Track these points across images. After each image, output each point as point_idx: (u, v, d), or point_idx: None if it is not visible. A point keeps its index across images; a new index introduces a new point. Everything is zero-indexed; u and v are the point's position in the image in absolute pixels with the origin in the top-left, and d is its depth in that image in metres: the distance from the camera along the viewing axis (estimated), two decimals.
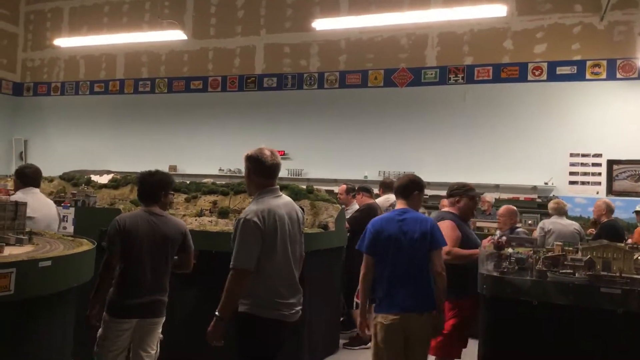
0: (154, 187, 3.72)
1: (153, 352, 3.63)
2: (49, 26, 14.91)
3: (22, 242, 3.12)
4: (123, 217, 3.66)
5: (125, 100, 14.00)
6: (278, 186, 3.23)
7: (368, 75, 11.82)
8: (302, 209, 3.58)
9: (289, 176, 11.74)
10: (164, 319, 3.65)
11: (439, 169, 10.77)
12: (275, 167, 3.19)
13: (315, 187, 7.79)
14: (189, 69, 13.33)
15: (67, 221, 5.43)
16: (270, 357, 3.08)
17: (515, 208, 5.74)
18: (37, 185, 4.66)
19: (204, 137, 12.75)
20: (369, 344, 5.53)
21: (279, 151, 11.77)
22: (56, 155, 14.12)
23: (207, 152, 12.57)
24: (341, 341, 5.95)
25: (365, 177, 11.01)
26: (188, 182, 6.48)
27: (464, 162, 10.70)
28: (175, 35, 9.72)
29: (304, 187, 5.98)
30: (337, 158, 11.66)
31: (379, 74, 11.73)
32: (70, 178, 7.27)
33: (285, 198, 3.25)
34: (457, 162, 10.75)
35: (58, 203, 5.66)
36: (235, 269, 2.90)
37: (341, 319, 6.20)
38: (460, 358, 4.01)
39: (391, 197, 6.69)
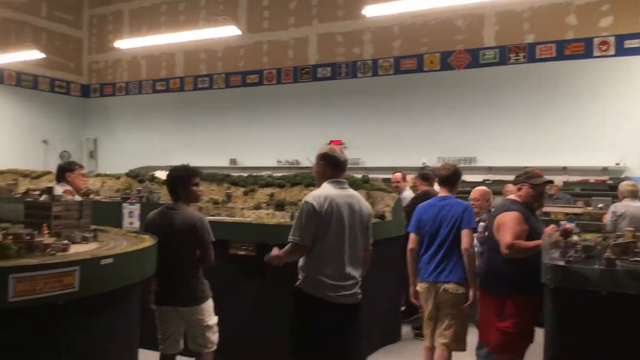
0: (171, 181, 3.91)
1: (200, 339, 3.76)
2: (110, 29, 15.51)
3: (87, 239, 3.27)
4: (151, 212, 3.93)
5: (186, 97, 14.38)
6: (345, 180, 3.47)
7: (423, 59, 11.56)
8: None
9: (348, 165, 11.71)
10: (199, 308, 3.72)
11: (501, 153, 10.41)
12: (346, 163, 3.51)
13: (372, 175, 7.76)
14: (245, 63, 13.51)
15: (133, 217, 5.65)
16: (316, 333, 3.30)
17: (488, 189, 5.30)
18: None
19: (261, 130, 12.92)
20: None
21: (336, 141, 11.95)
22: (123, 153, 14.75)
23: (264, 144, 12.73)
24: (405, 329, 5.90)
25: (424, 163, 10.79)
26: (245, 175, 6.57)
27: (528, 144, 10.28)
28: (230, 30, 9.86)
29: (359, 177, 5.91)
30: (394, 145, 11.51)
31: (435, 57, 11.45)
32: (136, 175, 7.55)
33: (350, 191, 3.46)
34: (520, 145, 10.34)
35: (124, 199, 5.92)
36: (290, 242, 3.28)
37: (402, 308, 6.16)
38: (523, 356, 3.84)
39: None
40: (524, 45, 10.60)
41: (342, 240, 3.29)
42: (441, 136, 11.14)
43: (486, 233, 4.40)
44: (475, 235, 4.59)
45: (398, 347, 5.54)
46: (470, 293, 3.99)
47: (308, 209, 3.26)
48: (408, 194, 6.65)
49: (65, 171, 4.86)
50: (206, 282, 3.84)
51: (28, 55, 11.47)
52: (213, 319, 3.81)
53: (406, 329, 5.98)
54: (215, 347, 3.83)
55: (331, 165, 3.42)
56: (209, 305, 3.82)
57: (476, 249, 4.57)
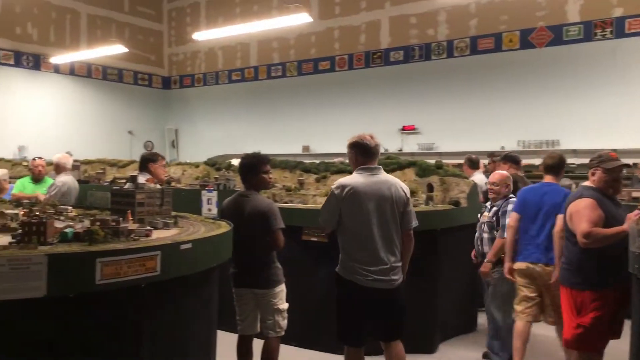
0: (243, 169, 4.04)
1: (270, 321, 3.85)
2: (188, 21, 16.05)
3: (168, 225, 3.42)
4: (226, 199, 4.07)
5: (260, 86, 14.67)
6: (378, 166, 3.58)
7: (502, 38, 11.08)
8: (402, 188, 3.63)
9: (419, 151, 11.51)
10: (272, 292, 3.82)
11: (586, 135, 9.83)
12: (377, 149, 3.60)
13: (447, 161, 7.58)
14: (317, 50, 13.56)
15: (211, 204, 5.86)
16: (351, 315, 3.53)
17: (509, 174, 4.82)
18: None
19: (333, 116, 12.95)
20: None
21: (409, 126, 11.75)
22: (202, 142, 15.30)
23: (336, 130, 12.72)
24: (481, 318, 5.75)
25: (502, 147, 10.40)
26: (318, 162, 6.61)
27: (616, 126, 9.64)
28: (302, 18, 9.90)
29: (433, 162, 5.78)
30: (470, 129, 11.16)
31: (514, 35, 10.95)
32: (213, 163, 7.81)
33: (382, 176, 3.55)
34: (607, 126, 9.72)
35: (202, 187, 6.15)
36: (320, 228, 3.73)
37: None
38: (602, 354, 3.62)
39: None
40: (612, 20, 9.90)
41: (370, 226, 3.41)
42: (521, 119, 10.67)
43: (494, 218, 4.57)
44: (485, 220, 4.66)
45: (474, 337, 5.41)
46: (555, 273, 4.00)
47: (331, 196, 3.50)
48: (480, 178, 6.45)
49: (148, 162, 5.07)
50: (280, 267, 3.92)
51: (113, 50, 12.11)
52: (284, 304, 3.89)
53: (482, 319, 5.82)
54: (282, 333, 3.91)
55: (361, 153, 3.56)
56: (282, 290, 3.90)
57: (485, 236, 4.65)
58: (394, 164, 5.69)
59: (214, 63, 15.71)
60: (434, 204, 5.14)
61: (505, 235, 4.41)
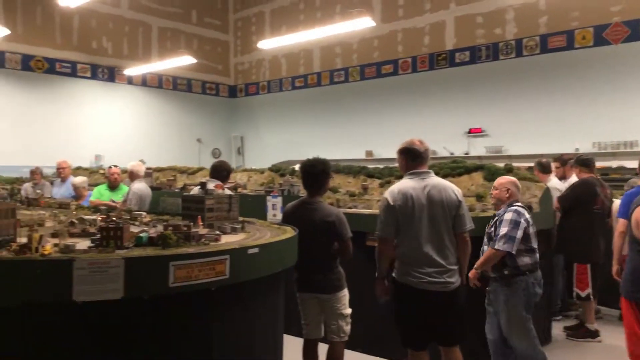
0: (304, 175, 4.06)
1: (334, 326, 3.89)
2: (253, 30, 16.42)
3: (236, 230, 3.49)
4: (289, 204, 4.12)
5: (323, 92, 14.76)
6: (428, 170, 3.62)
7: (574, 35, 10.59)
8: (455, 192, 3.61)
9: (487, 154, 11.19)
10: (335, 297, 3.86)
11: None
12: (426, 153, 3.63)
13: (517, 164, 7.32)
14: (379, 54, 13.49)
15: (276, 209, 5.95)
16: (408, 318, 3.54)
17: (514, 180, 4.26)
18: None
19: (396, 120, 12.82)
20: (599, 339, 5.08)
21: (476, 129, 11.46)
22: (268, 148, 15.58)
23: (400, 135, 12.47)
24: (556, 330, 5.51)
25: (577, 149, 9.94)
26: (382, 167, 6.56)
27: None
28: (365, 22, 9.89)
29: (502, 165, 5.60)
30: (541, 131, 10.72)
31: (587, 32, 10.44)
32: (278, 169, 7.93)
33: (434, 180, 3.57)
34: None
35: (267, 193, 6.25)
36: (378, 237, 3.58)
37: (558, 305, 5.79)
38: None
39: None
40: None
41: (422, 229, 3.45)
42: (596, 119, 10.14)
43: (492, 229, 3.98)
44: (487, 230, 4.10)
45: (548, 349, 5.17)
46: (614, 269, 4.07)
47: (383, 204, 3.54)
48: (554, 182, 6.18)
49: (229, 173, 5.45)
50: (342, 272, 3.97)
51: (182, 61, 12.57)
52: (347, 310, 3.92)
53: (557, 329, 5.57)
54: (346, 338, 3.93)
55: (411, 158, 3.61)
56: (345, 295, 3.94)
57: (485, 247, 4.06)
58: (461, 167, 5.56)
59: (278, 70, 15.98)
60: (458, 207, 4.96)
61: (535, 245, 3.99)
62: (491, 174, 5.32)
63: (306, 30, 11.00)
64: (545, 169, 6.44)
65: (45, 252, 2.46)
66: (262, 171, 8.20)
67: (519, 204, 4.09)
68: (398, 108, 12.98)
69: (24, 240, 2.59)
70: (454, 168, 5.54)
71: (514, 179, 4.33)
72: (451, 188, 3.57)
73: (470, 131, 11.68)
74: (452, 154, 11.50)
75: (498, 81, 11.47)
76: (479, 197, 5.00)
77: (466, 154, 11.50)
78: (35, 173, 8.32)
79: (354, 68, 14.05)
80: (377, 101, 13.46)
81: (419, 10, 12.71)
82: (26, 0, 12.50)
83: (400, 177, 5.72)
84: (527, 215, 3.99)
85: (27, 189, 7.61)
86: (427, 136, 11.99)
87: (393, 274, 3.60)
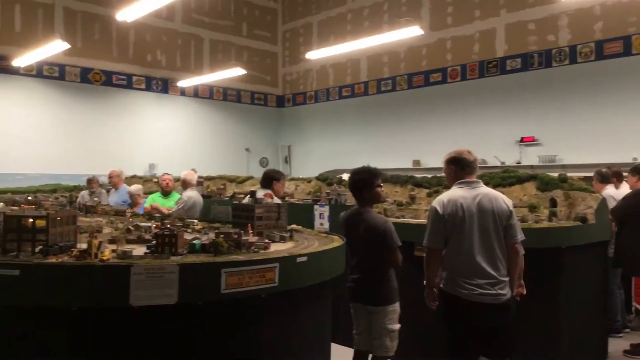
0: (355, 184, 4.03)
1: (376, 341, 3.81)
2: (301, 41, 16.62)
3: (284, 239, 3.55)
4: (343, 213, 4.13)
5: (370, 101, 14.75)
6: (477, 180, 3.58)
7: (631, 41, 10.19)
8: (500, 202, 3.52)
9: (540, 163, 10.88)
10: (383, 310, 3.79)
11: None
12: (475, 163, 3.62)
13: (571, 174, 7.10)
14: (428, 62, 13.39)
15: (323, 218, 5.97)
16: (457, 331, 3.46)
17: None
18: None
19: (444, 129, 12.65)
20: None
21: (528, 137, 11.18)
22: (314, 157, 15.68)
23: (448, 143, 12.26)
24: (613, 347, 5.29)
25: (635, 159, 9.54)
26: (429, 176, 6.50)
27: None
28: (413, 31, 9.84)
29: (555, 175, 5.44)
30: (597, 140, 10.33)
31: None
32: (325, 178, 7.98)
33: (484, 189, 3.54)
34: None
35: (315, 202, 6.29)
36: (426, 247, 3.53)
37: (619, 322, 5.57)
38: None
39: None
40: None
41: (473, 240, 3.39)
42: None
43: None
44: None
45: None
46: None
47: (432, 213, 3.50)
48: (612, 193, 5.95)
49: (272, 179, 5.34)
50: (395, 285, 3.89)
51: (233, 72, 12.84)
52: (394, 325, 3.84)
53: (615, 346, 5.34)
54: (390, 354, 3.84)
55: (461, 168, 3.58)
56: (394, 310, 3.85)
57: None
58: (513, 177, 5.44)
59: (325, 80, 16.09)
60: (557, 220, 4.83)
61: None
62: (544, 184, 5.19)
63: (353, 40, 11.03)
64: (604, 179, 6.22)
65: (104, 258, 2.58)
66: (309, 180, 8.27)
67: None
68: (446, 116, 12.82)
69: (84, 246, 2.72)
70: (505, 178, 5.42)
71: None
72: (502, 198, 3.51)
73: (522, 140, 11.39)
74: (503, 163, 11.25)
75: (551, 88, 11.15)
76: (532, 208, 4.88)
77: (518, 163, 11.22)
78: (92, 181, 8.69)
79: (402, 77, 13.99)
80: (425, 110, 13.34)
81: (468, 18, 12.54)
82: (85, 16, 13.10)
83: (448, 187, 5.68)
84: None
85: (84, 196, 7.95)
86: (476, 145, 11.89)
87: (441, 285, 3.54)
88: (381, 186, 4.08)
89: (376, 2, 14.44)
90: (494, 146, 11.45)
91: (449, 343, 3.56)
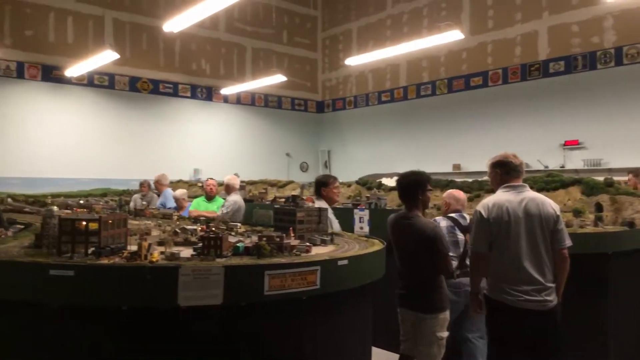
0: (406, 188, 3.92)
1: (424, 348, 3.70)
2: (341, 47, 16.73)
3: (325, 242, 3.61)
4: (391, 216, 4.03)
5: (409, 105, 14.70)
6: (523, 184, 3.53)
7: None
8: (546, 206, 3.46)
9: (585, 167, 10.60)
10: (434, 317, 3.68)
11: None
12: (521, 167, 3.57)
13: (618, 178, 6.91)
14: (468, 66, 13.25)
15: (363, 222, 6.01)
16: (504, 338, 3.38)
17: (455, 193, 4.83)
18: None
19: (485, 133, 12.48)
20: None
21: (572, 141, 10.92)
22: (353, 162, 15.72)
23: (489, 147, 12.16)
24: None
25: None
26: (470, 180, 6.45)
27: None
28: (453, 35, 9.78)
29: (601, 179, 5.32)
30: None
31: None
32: (364, 182, 8.02)
33: (529, 194, 3.46)
34: None
35: (355, 206, 6.33)
36: (471, 252, 3.56)
37: None
38: None
39: None
40: None
41: (519, 244, 3.33)
42: None
43: None
44: None
45: None
46: None
47: (477, 217, 3.46)
48: None
49: (320, 186, 5.16)
50: (446, 292, 3.81)
51: (274, 79, 13.05)
52: (443, 332, 3.73)
53: None
54: None
55: (506, 172, 3.53)
56: (445, 317, 3.76)
57: None
58: (557, 181, 5.35)
59: (364, 86, 16.12)
60: (603, 225, 4.73)
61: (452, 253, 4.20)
62: (590, 189, 5.09)
63: (393, 45, 11.05)
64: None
65: (154, 260, 2.70)
66: (349, 184, 8.32)
67: (454, 214, 4.55)
68: (487, 120, 12.64)
69: (134, 248, 2.85)
70: (548, 182, 5.35)
71: (455, 192, 4.82)
72: (549, 202, 3.45)
73: (565, 143, 11.13)
74: (546, 167, 11.02)
75: (596, 91, 10.85)
76: (577, 213, 4.79)
77: (562, 167, 10.97)
78: (143, 185, 8.98)
79: (442, 81, 13.89)
80: (466, 114, 13.20)
81: (509, 21, 12.36)
82: (133, 27, 13.59)
83: (491, 191, 5.63)
84: (445, 224, 4.40)
85: (136, 200, 8.25)
86: (519, 148, 11.70)
87: (485, 291, 3.49)
88: (431, 190, 4.01)
89: (415, 8, 14.40)
90: (536, 150, 11.23)
91: (492, 350, 3.51)
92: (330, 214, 4.81)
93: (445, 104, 13.71)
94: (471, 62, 13.16)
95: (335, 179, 5.26)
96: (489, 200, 3.50)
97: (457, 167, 12.97)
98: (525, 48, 12.10)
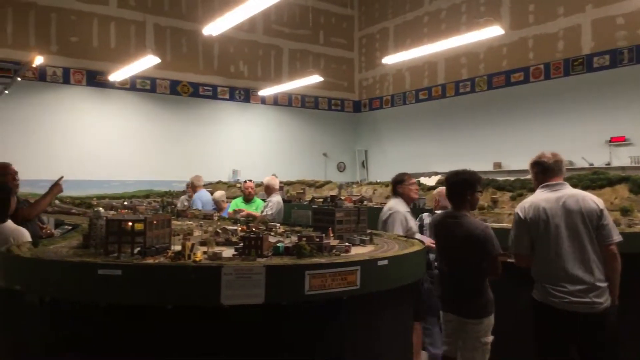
0: (457, 186, 3.80)
1: (467, 353, 3.61)
2: (377, 46, 16.66)
3: (364, 242, 3.61)
4: (434, 216, 3.91)
5: (447, 103, 14.51)
6: (561, 182, 3.46)
7: None
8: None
9: (633, 164, 10.23)
10: (479, 322, 3.57)
11: None
12: (557, 165, 3.49)
13: None
14: (509, 62, 12.98)
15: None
16: (552, 343, 3.28)
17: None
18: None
19: (527, 130, 12.20)
20: None
21: (618, 137, 10.58)
22: (390, 161, 15.63)
23: (531, 145, 11.91)
24: None
25: None
26: (512, 179, 6.32)
27: None
28: (492, 31, 9.60)
29: None
30: None
31: None
32: None
33: (569, 190, 3.39)
34: None
35: None
36: (512, 253, 3.50)
37: None
38: None
39: None
40: None
41: (560, 243, 3.24)
42: None
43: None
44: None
45: None
46: None
47: (515, 219, 3.45)
48: None
49: (395, 184, 5.03)
50: (491, 297, 3.69)
51: (310, 80, 13.11)
52: (488, 337, 3.63)
53: None
54: None
55: (541, 171, 3.51)
56: (490, 322, 3.66)
57: None
58: (603, 179, 5.19)
59: (402, 84, 16.01)
60: (600, 219, 4.53)
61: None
62: (638, 186, 4.92)
63: (431, 42, 10.93)
64: None
65: (197, 259, 2.75)
66: (386, 184, 8.28)
67: (441, 210, 4.64)
68: (529, 117, 12.36)
69: (177, 247, 2.92)
70: (594, 180, 5.19)
71: (443, 189, 4.72)
72: (590, 197, 3.33)
73: (611, 140, 10.77)
74: (591, 164, 10.69)
75: None
76: (625, 211, 4.63)
77: (607, 164, 10.62)
78: (189, 187, 9.16)
79: (481, 78, 13.65)
80: (506, 111, 12.94)
81: (551, 15, 12.04)
82: (173, 32, 13.88)
83: (533, 190, 5.50)
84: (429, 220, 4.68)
85: (182, 201, 8.42)
86: (562, 146, 11.42)
87: (532, 294, 3.39)
88: (481, 192, 3.89)
89: (454, 4, 14.20)
90: (581, 147, 10.92)
91: (539, 356, 3.39)
92: (407, 213, 4.74)
93: (485, 101, 13.48)
94: (512, 57, 12.90)
95: (409, 176, 5.10)
96: (526, 201, 3.47)
97: (497, 165, 12.73)
98: (568, 42, 11.78)
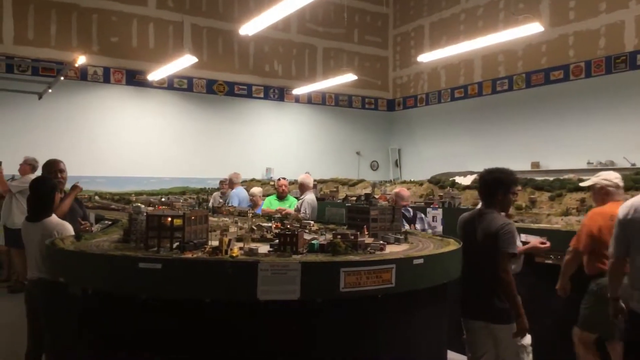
0: (491, 185, 3.56)
1: (509, 359, 3.40)
2: (412, 44, 16.52)
3: (399, 241, 3.60)
4: (463, 214, 3.80)
5: (484, 102, 14.28)
6: None
7: None
8: None
9: None
10: (512, 327, 3.32)
11: None
12: None
13: None
14: (548, 60, 12.68)
15: (436, 222, 5.93)
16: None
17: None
18: None
19: (567, 129, 11.90)
20: None
21: None
22: (424, 161, 15.49)
23: (571, 144, 11.68)
24: None
25: None
26: (551, 179, 6.19)
27: None
28: (531, 28, 9.39)
29: None
30: None
31: None
32: (437, 181, 7.90)
33: None
34: None
35: (427, 205, 6.27)
36: (610, 256, 3.27)
37: None
38: None
39: None
40: None
41: None
42: None
43: None
44: None
45: None
46: None
47: (616, 220, 3.24)
48: None
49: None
50: (518, 297, 3.44)
51: (344, 79, 13.09)
52: (527, 339, 3.40)
53: None
54: None
55: None
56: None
57: None
58: None
59: (437, 82, 15.83)
60: None
61: None
62: None
63: (467, 40, 10.77)
64: None
65: (234, 255, 2.80)
66: (420, 183, 8.23)
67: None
68: (568, 116, 12.04)
69: (215, 243, 2.97)
70: (637, 180, 5.05)
71: (401, 190, 6.06)
72: None
73: None
74: (633, 164, 10.36)
75: None
76: None
77: None
78: (224, 183, 9.28)
79: (519, 76, 13.38)
80: (545, 109, 12.64)
81: (592, 12, 11.71)
82: (210, 32, 14.08)
83: (575, 190, 5.38)
84: None
85: (215, 197, 8.55)
86: (602, 145, 11.15)
87: (630, 305, 3.12)
88: (516, 193, 3.66)
89: (491, 1, 13.96)
90: (623, 147, 10.58)
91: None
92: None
93: (523, 99, 13.21)
94: (551, 55, 12.60)
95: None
96: (628, 202, 3.23)
97: (535, 165, 12.46)
98: (610, 39, 11.44)
